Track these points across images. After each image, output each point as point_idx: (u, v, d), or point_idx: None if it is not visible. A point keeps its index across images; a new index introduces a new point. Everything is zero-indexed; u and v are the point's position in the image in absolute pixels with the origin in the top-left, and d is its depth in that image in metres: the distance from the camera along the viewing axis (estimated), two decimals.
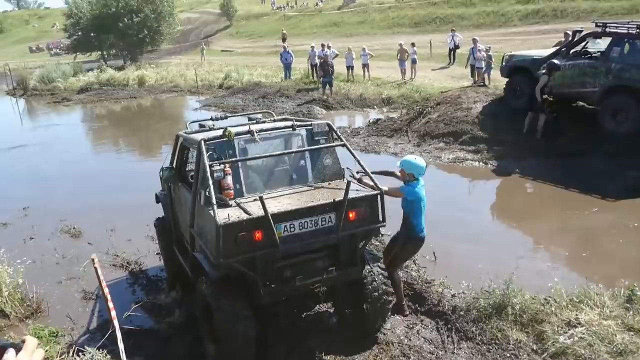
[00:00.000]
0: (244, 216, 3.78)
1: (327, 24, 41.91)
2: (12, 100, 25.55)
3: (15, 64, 36.49)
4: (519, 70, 11.22)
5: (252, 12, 55.56)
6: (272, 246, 3.80)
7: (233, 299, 3.95)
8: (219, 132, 4.33)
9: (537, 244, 7.00)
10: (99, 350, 3.83)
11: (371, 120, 14.10)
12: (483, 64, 15.52)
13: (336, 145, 4.64)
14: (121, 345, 3.45)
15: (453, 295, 5.31)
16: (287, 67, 21.99)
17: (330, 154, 4.67)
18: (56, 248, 7.08)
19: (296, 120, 4.81)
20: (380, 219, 4.29)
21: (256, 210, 3.79)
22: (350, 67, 20.44)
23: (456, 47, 21.34)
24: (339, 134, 4.71)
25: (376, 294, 4.47)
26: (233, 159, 4.17)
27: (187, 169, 5.11)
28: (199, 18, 61.82)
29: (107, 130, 18.01)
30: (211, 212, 3.72)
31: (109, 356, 3.71)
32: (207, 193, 3.88)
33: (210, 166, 3.94)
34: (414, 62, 19.34)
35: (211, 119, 5.40)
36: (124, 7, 33.26)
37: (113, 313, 3.78)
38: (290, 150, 4.46)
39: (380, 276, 4.55)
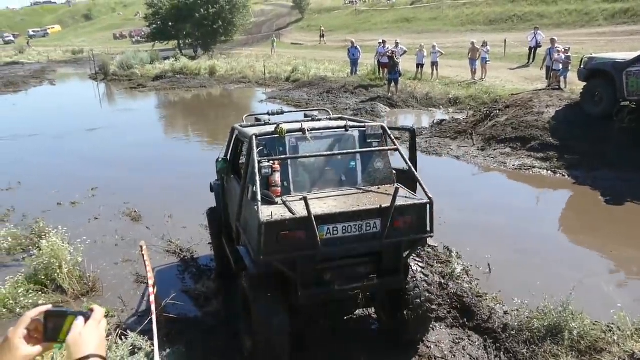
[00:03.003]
0: (287, 215, 3.73)
1: (399, 19, 41.23)
2: (94, 84, 27.16)
3: (99, 50, 38.84)
4: (599, 74, 10.47)
5: (324, 6, 55.71)
6: (314, 248, 3.70)
7: (271, 295, 3.92)
8: (272, 128, 4.31)
9: (603, 264, 6.49)
10: (140, 335, 3.94)
11: (435, 121, 13.72)
12: (560, 66, 14.64)
13: (389, 150, 4.48)
14: (155, 332, 3.52)
15: (505, 312, 5.02)
16: (354, 63, 21.86)
17: (382, 158, 4.51)
18: (117, 230, 7.42)
19: (351, 121, 4.74)
20: (428, 229, 4.09)
21: (301, 209, 3.70)
22: (420, 65, 19.98)
23: (538, 45, 20.25)
24: (393, 138, 4.49)
25: (418, 301, 4.30)
26: (282, 157, 4.15)
27: (240, 161, 5.15)
28: (272, 10, 62.81)
29: (177, 117, 18.71)
30: (256, 208, 3.70)
31: (149, 342, 3.80)
32: (254, 188, 3.84)
33: (259, 162, 3.94)
34: (484, 61, 18.59)
35: (267, 113, 5.38)
36: None
37: (152, 298, 3.86)
38: (341, 152, 4.32)
39: (423, 283, 4.36)
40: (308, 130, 4.33)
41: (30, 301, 5.16)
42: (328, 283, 3.97)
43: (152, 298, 3.83)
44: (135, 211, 8.12)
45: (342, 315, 4.73)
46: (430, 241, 4.30)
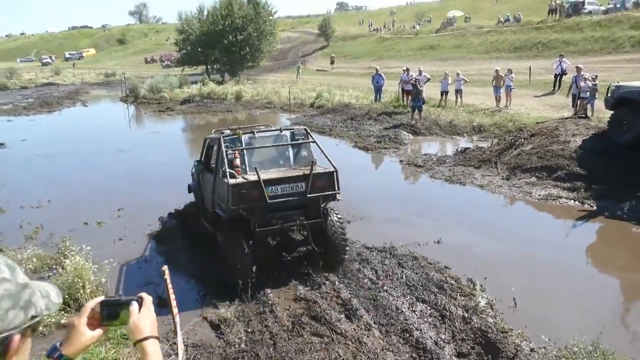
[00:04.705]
0: (244, 180, 6.00)
1: (423, 46, 41.50)
2: (124, 107, 27.88)
3: (130, 73, 39.96)
4: (626, 102, 10.30)
5: (349, 34, 56.49)
6: (263, 200, 5.84)
7: (238, 242, 6.03)
8: (232, 132, 6.86)
9: (634, 300, 6.28)
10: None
11: (459, 149, 13.63)
12: (587, 94, 14.46)
13: (307, 142, 6.88)
14: (181, 356, 3.51)
15: (532, 350, 4.86)
16: (378, 90, 21.99)
17: (305, 148, 6.91)
18: (140, 252, 7.51)
19: (285, 129, 7.09)
20: (336, 189, 6.35)
21: (254, 178, 5.91)
22: (444, 93, 19.99)
23: (563, 73, 20.09)
24: (312, 137, 6.95)
25: (335, 235, 6.54)
26: (239, 148, 6.50)
27: (210, 162, 7.30)
28: (299, 37, 63.94)
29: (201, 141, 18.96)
30: (225, 180, 5.91)
31: None
32: (223, 169, 6.05)
33: (225, 150, 6.18)
34: (509, 88, 18.49)
35: (228, 128, 7.49)
36: (229, 25, 35.22)
37: (177, 319, 3.88)
38: (277, 144, 6.78)
39: (337, 223, 6.64)
40: (255, 132, 6.83)
41: (53, 320, 5.22)
42: (274, 224, 6.15)
43: (177, 319, 3.85)
44: (158, 232, 8.22)
45: (289, 251, 7.09)
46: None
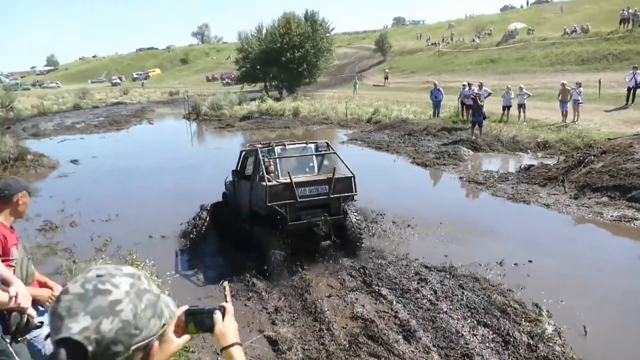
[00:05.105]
0: (278, 182, 7.30)
1: (483, 60, 40.59)
2: (187, 123, 29.02)
3: (192, 91, 41.64)
4: None
5: (406, 48, 56.23)
6: (294, 199, 7.08)
7: (272, 233, 7.21)
8: (266, 144, 8.21)
9: None
10: None
11: (523, 166, 13.11)
12: None
13: (329, 153, 8.26)
14: None
15: None
16: (437, 105, 21.68)
17: (328, 158, 8.23)
18: (201, 265, 7.71)
19: (310, 142, 8.49)
20: (354, 191, 7.52)
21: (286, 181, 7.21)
22: (506, 107, 19.40)
23: (637, 86, 19.00)
24: (334, 149, 8.47)
25: (352, 230, 7.67)
26: (273, 157, 7.76)
27: (245, 171, 8.54)
28: (355, 53, 64.37)
29: None
30: (263, 183, 7.17)
31: None
32: (260, 175, 7.37)
33: (262, 159, 7.49)
34: (576, 103, 17.68)
35: (260, 142, 8.73)
36: (287, 43, 36.00)
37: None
38: (304, 154, 8.14)
39: (355, 221, 7.74)
40: (286, 145, 8.20)
41: None
42: (303, 219, 7.31)
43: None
44: (220, 246, 8.41)
45: (316, 245, 7.86)
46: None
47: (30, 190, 3.33)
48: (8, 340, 2.63)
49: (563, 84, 18.23)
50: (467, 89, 19.47)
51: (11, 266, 2.99)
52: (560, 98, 18.21)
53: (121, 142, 23.43)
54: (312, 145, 8.30)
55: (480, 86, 19.15)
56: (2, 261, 2.84)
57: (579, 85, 18.01)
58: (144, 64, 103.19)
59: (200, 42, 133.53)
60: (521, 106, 19.12)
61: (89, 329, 1.03)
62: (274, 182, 7.26)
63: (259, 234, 7.42)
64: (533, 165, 12.94)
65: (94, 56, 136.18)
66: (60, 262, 7.61)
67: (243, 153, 8.82)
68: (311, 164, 8.09)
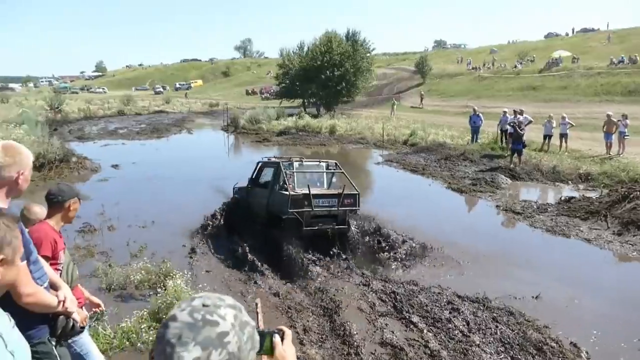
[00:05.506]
0: (298, 193, 8.55)
1: (525, 87, 39.98)
2: (225, 135, 29.55)
3: (232, 104, 42.45)
4: None
5: (446, 71, 55.97)
6: (311, 207, 8.30)
7: (290, 234, 8.20)
8: (287, 160, 9.62)
9: None
10: None
11: (563, 198, 12.74)
12: None
13: (337, 171, 9.74)
14: None
15: None
16: (475, 131, 21.42)
17: (337, 176, 9.82)
18: (232, 280, 7.75)
19: (322, 161, 10.18)
20: (357, 205, 8.87)
21: (303, 192, 8.52)
22: (548, 136, 18.98)
23: None
24: (342, 169, 9.71)
25: (354, 239, 8.79)
26: (293, 170, 9.17)
27: (259, 179, 9.95)
28: (394, 74, 64.43)
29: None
30: (283, 192, 8.61)
31: None
32: (280, 184, 8.92)
33: (285, 171, 8.90)
34: (622, 135, 17.13)
35: (273, 157, 11.02)
36: (328, 61, 36.38)
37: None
38: (317, 171, 9.80)
39: (357, 231, 8.88)
40: (303, 161, 9.78)
41: (151, 338, 5.49)
42: (314, 226, 8.44)
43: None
44: (254, 260, 8.44)
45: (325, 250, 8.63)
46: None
47: (81, 197, 3.44)
48: (53, 343, 2.70)
49: (608, 115, 17.74)
50: (510, 116, 19.15)
51: (58, 270, 3.08)
52: (605, 129, 17.72)
53: (161, 150, 23.99)
54: (324, 164, 9.88)
55: (521, 113, 18.81)
56: (50, 264, 2.94)
57: (625, 117, 17.49)
58: (186, 75, 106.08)
59: (242, 56, 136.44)
60: (563, 136, 18.69)
61: (200, 359, 1.04)
62: (295, 192, 8.46)
63: (275, 235, 8.44)
64: (574, 198, 12.56)
65: (140, 65, 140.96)
66: (97, 264, 7.76)
67: (259, 164, 10.13)
68: (322, 179, 9.66)
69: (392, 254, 8.74)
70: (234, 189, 11.06)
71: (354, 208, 8.80)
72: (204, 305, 1.12)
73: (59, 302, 2.61)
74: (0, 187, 2.37)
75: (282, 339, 1.45)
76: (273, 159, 9.79)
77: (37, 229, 3.12)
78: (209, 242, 9.54)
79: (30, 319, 2.44)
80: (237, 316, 1.13)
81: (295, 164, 9.32)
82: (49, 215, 3.29)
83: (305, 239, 8.33)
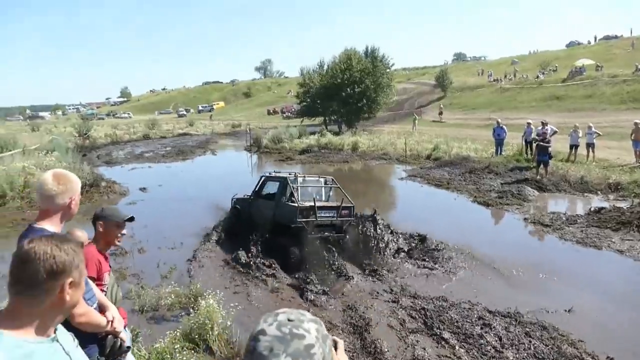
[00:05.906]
0: (304, 204, 9.62)
1: (548, 97, 39.54)
2: (248, 155, 29.91)
3: (254, 124, 43.00)
4: None
5: (467, 84, 55.76)
6: (315, 217, 9.46)
7: (296, 242, 9.16)
8: (292, 174, 10.74)
9: None
10: None
11: (593, 209, 12.51)
12: None
13: (335, 186, 10.89)
14: None
15: None
16: (499, 143, 21.24)
17: (334, 190, 10.92)
18: (261, 299, 7.83)
19: (321, 176, 11.35)
20: (352, 216, 10.00)
21: (308, 204, 9.71)
22: (574, 146, 18.71)
23: None
24: (337, 183, 10.92)
25: (350, 244, 9.73)
26: (297, 185, 10.18)
27: (261, 192, 11.00)
28: (415, 88, 64.47)
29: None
30: (291, 203, 9.78)
31: None
32: (287, 196, 10.01)
33: (292, 185, 10.00)
34: None
35: (273, 171, 12.30)
36: (348, 78, 36.66)
37: None
38: (317, 185, 10.79)
39: (353, 239, 9.79)
40: (306, 177, 11.00)
41: (184, 358, 5.59)
42: (316, 234, 9.41)
43: None
44: (279, 282, 8.53)
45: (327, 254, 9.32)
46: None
47: (122, 220, 3.58)
48: None
49: (636, 123, 17.42)
50: (538, 127, 18.93)
51: (103, 291, 3.21)
52: (633, 137, 17.39)
53: (186, 171, 24.40)
54: (322, 179, 11.06)
55: (545, 123, 18.59)
56: (96, 285, 3.07)
57: None
58: (209, 97, 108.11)
59: (263, 76, 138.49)
60: (590, 145, 18.40)
61: None
62: (302, 204, 9.58)
63: (285, 242, 9.36)
64: (604, 208, 12.32)
65: (164, 89, 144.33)
66: (129, 287, 7.94)
67: (263, 178, 11.24)
68: (321, 193, 10.73)
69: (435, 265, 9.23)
70: (232, 199, 11.83)
71: (349, 218, 9.96)
72: (289, 320, 1.20)
73: (108, 322, 2.73)
74: (55, 213, 2.54)
75: (336, 348, 1.48)
76: (274, 174, 11.22)
77: (83, 251, 3.27)
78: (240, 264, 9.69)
79: (81, 339, 2.56)
80: (319, 329, 1.21)
81: (299, 179, 10.44)
82: (94, 238, 3.45)
83: (309, 244, 9.27)
